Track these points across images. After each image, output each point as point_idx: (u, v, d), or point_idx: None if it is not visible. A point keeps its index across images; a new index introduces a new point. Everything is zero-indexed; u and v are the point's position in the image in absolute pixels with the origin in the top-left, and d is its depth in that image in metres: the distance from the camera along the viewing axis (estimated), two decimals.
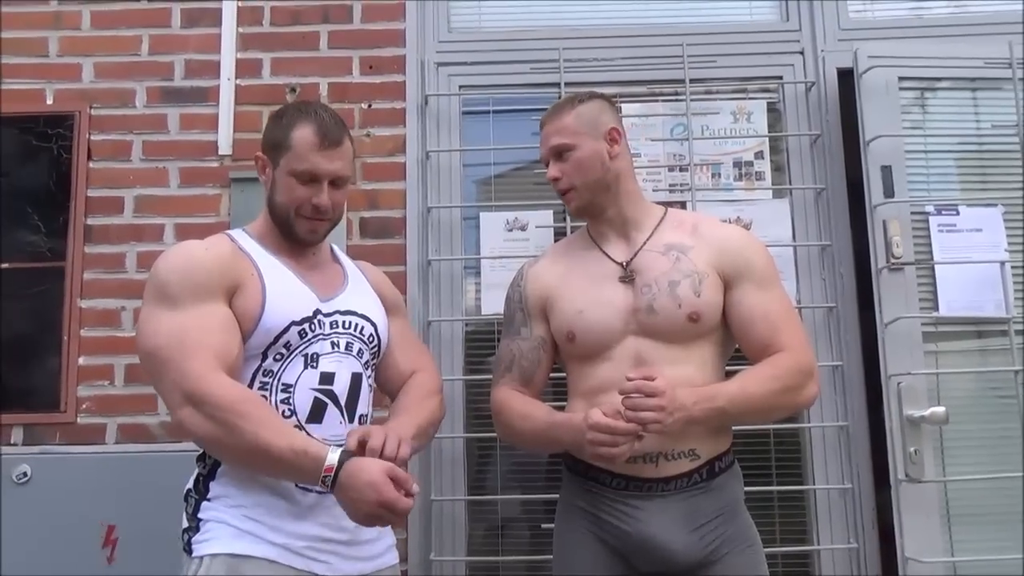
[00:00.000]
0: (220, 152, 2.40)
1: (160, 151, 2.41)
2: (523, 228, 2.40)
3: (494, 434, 2.31)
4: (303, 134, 1.57)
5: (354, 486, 1.37)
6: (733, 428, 1.69)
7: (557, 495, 1.76)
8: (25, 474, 2.20)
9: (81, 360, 2.31)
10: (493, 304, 2.36)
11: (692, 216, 1.78)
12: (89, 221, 2.37)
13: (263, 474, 1.45)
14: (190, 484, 1.54)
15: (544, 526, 1.69)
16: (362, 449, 1.43)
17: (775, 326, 1.62)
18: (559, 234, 2.36)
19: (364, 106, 2.42)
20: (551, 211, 2.40)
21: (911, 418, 2.15)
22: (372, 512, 1.37)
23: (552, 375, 1.80)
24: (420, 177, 2.40)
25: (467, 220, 2.43)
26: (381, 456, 1.41)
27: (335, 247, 1.77)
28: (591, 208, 1.71)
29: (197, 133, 2.41)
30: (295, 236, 1.61)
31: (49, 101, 2.42)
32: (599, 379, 1.64)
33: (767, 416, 1.67)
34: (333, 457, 1.39)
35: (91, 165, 2.39)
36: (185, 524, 1.51)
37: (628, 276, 1.67)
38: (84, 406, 2.29)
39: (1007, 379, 2.18)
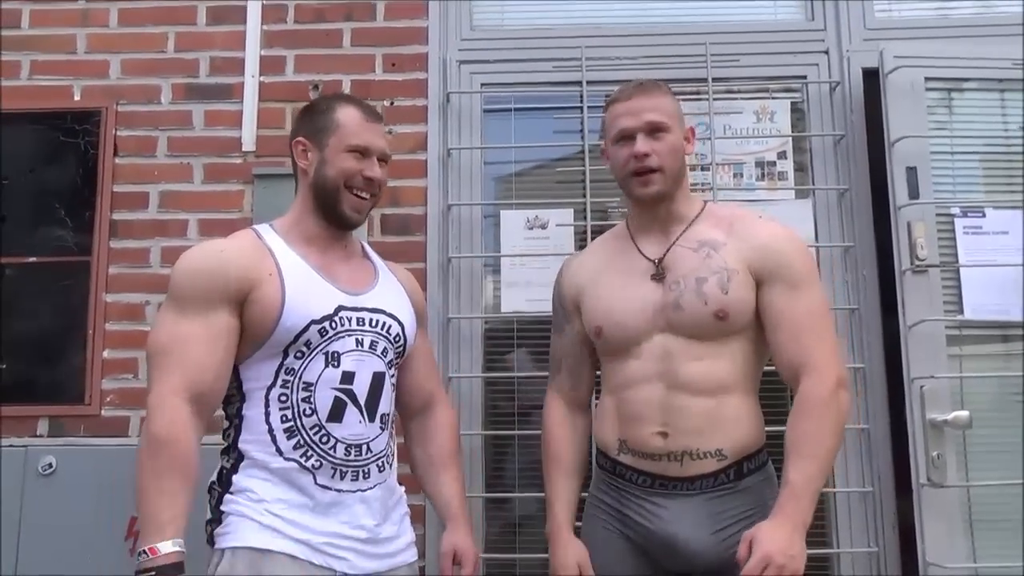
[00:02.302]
0: (244, 148, 2.51)
1: (185, 147, 2.53)
2: (544, 226, 2.49)
3: (512, 431, 2.44)
4: (348, 112, 1.69)
5: None
6: (769, 429, 1.73)
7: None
8: (50, 465, 2.32)
9: (106, 353, 2.43)
10: (513, 302, 2.47)
11: (731, 211, 1.79)
12: (114, 216, 2.49)
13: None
14: (214, 477, 1.61)
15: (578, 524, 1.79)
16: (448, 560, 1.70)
17: (799, 332, 1.62)
18: (580, 233, 2.46)
19: (386, 103, 2.53)
20: (572, 209, 2.49)
21: (934, 422, 2.22)
22: None
23: None
24: (441, 174, 2.50)
25: (488, 218, 2.53)
26: None
27: (367, 246, 1.85)
28: (662, 197, 1.71)
29: (221, 129, 2.53)
30: (340, 215, 1.67)
31: (76, 97, 2.55)
32: (626, 376, 1.70)
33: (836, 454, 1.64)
34: (167, 547, 1.42)
35: (117, 161, 2.51)
36: (208, 516, 1.58)
37: (659, 273, 1.71)
38: (108, 399, 2.41)
39: None
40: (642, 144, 1.68)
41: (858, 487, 2.33)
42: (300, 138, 1.71)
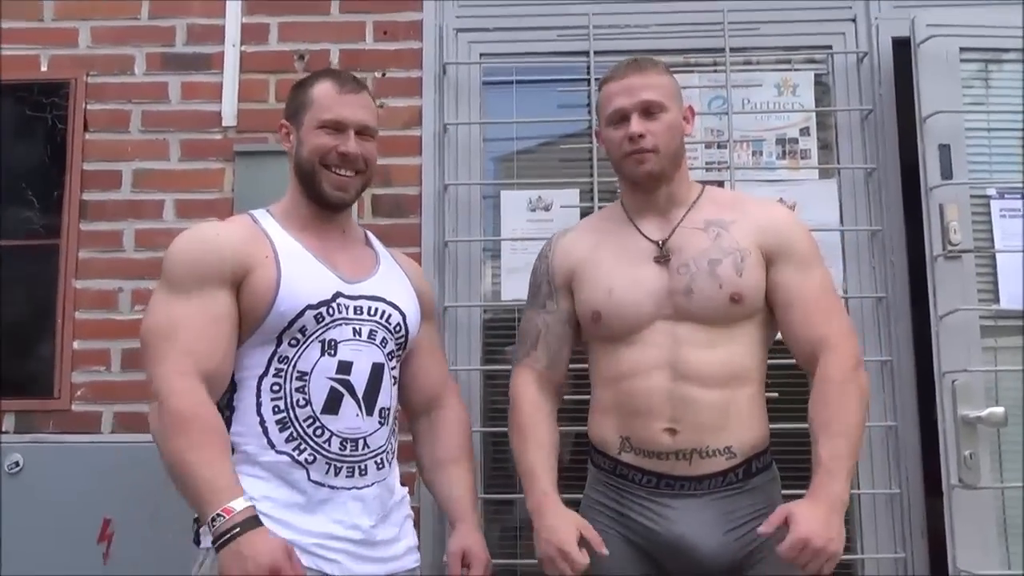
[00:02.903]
0: (224, 123, 2.38)
1: (160, 122, 2.39)
2: (547, 208, 2.36)
3: None
4: (322, 87, 1.63)
5: (252, 549, 1.35)
6: (771, 427, 1.65)
7: (580, 495, 1.74)
8: (17, 464, 2.20)
9: (76, 344, 2.30)
10: (514, 289, 2.33)
11: (730, 193, 1.79)
12: (85, 196, 2.35)
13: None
14: None
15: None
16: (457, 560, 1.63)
17: (813, 311, 1.59)
18: (586, 214, 2.31)
19: (378, 75, 2.39)
20: (577, 190, 2.36)
21: (967, 419, 2.10)
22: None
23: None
24: (437, 152, 2.36)
25: (487, 199, 2.40)
26: None
27: (371, 234, 1.79)
28: (659, 177, 1.66)
29: (200, 103, 2.39)
30: (323, 196, 1.61)
31: (44, 68, 2.41)
32: (627, 365, 1.63)
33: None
34: (240, 504, 1.38)
35: (87, 136, 2.38)
36: (194, 514, 1.50)
37: (663, 256, 1.64)
38: (79, 393, 2.29)
39: None
40: (636, 124, 1.63)
41: (884, 488, 2.21)
42: (283, 120, 1.69)
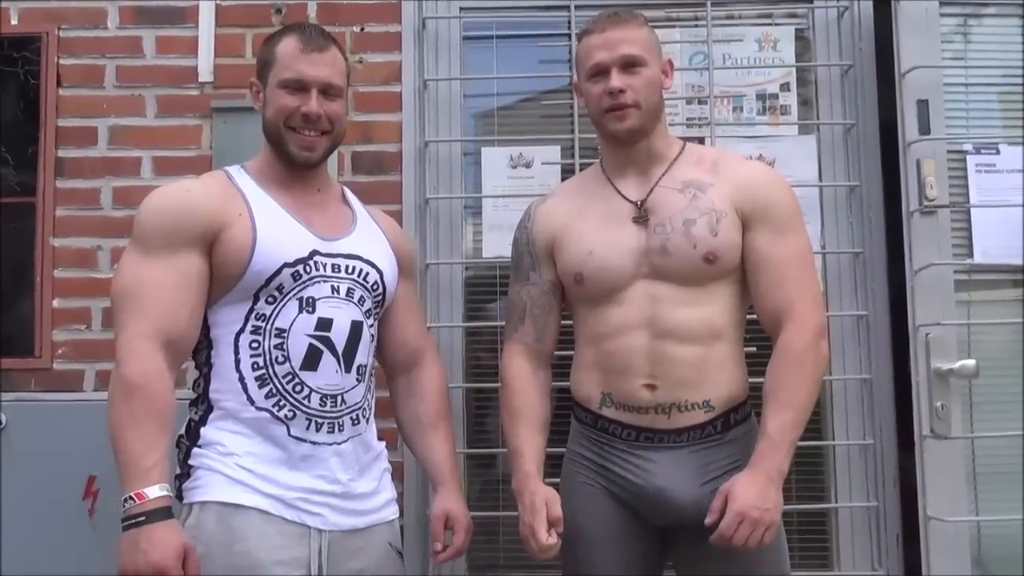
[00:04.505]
0: (200, 79, 2.37)
1: (136, 77, 2.38)
2: (528, 165, 2.38)
3: (495, 384, 2.35)
4: (286, 43, 1.63)
5: (148, 543, 1.37)
6: (749, 382, 1.71)
7: (563, 449, 1.79)
8: (0, 422, 2.22)
9: (55, 303, 2.32)
10: (495, 246, 2.36)
11: (712, 151, 1.78)
12: (60, 153, 2.35)
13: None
14: (181, 430, 1.57)
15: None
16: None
17: (783, 278, 1.62)
18: (567, 171, 2.35)
19: (356, 29, 2.38)
20: (558, 147, 2.38)
21: (939, 371, 2.16)
22: (139, 571, 1.37)
23: None
24: (417, 108, 2.37)
25: (468, 156, 2.41)
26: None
27: (348, 191, 1.80)
28: (639, 133, 1.68)
29: (176, 58, 2.38)
30: (290, 156, 1.62)
31: (14, 21, 2.38)
32: (609, 324, 1.66)
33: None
34: (155, 492, 1.40)
35: (60, 92, 2.36)
36: (176, 471, 1.55)
37: (642, 216, 1.67)
38: (60, 351, 2.31)
39: None
40: (616, 79, 1.64)
41: (858, 440, 2.28)
42: (253, 79, 1.68)
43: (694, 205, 1.64)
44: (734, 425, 1.65)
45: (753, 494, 1.48)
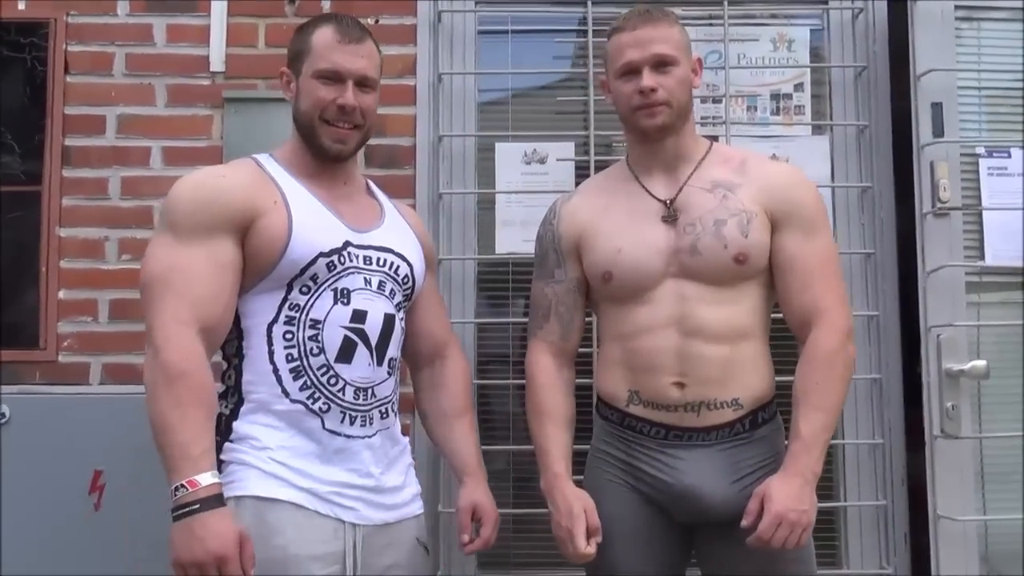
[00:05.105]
0: (212, 69, 2.34)
1: (145, 65, 2.35)
2: (542, 161, 2.38)
3: (506, 380, 2.35)
4: (322, 33, 1.61)
5: (205, 531, 1.35)
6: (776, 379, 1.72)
7: (585, 445, 1.79)
8: (3, 415, 2.19)
9: (61, 294, 2.29)
10: (508, 242, 2.37)
11: (739, 152, 1.78)
12: (67, 142, 2.32)
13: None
14: None
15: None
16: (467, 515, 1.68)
17: (811, 279, 1.64)
18: (581, 168, 2.35)
19: (371, 21, 2.35)
20: (573, 143, 2.38)
21: (950, 372, 2.19)
22: (197, 560, 1.35)
23: None
24: (431, 102, 2.36)
25: (482, 151, 2.41)
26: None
27: (373, 184, 1.79)
28: (668, 130, 1.68)
29: (187, 47, 2.35)
30: (322, 148, 1.60)
31: (21, 7, 2.34)
32: (636, 323, 1.67)
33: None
34: (207, 479, 1.38)
35: (68, 79, 2.33)
36: None
37: (671, 215, 1.68)
38: (65, 343, 2.28)
39: None
40: (648, 78, 1.64)
41: (868, 439, 2.31)
42: (284, 68, 1.67)
43: (724, 205, 1.65)
44: (762, 424, 1.66)
45: (790, 496, 1.49)
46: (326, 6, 2.37)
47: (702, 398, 1.61)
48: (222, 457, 1.50)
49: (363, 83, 1.61)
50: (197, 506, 1.36)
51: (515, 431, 2.38)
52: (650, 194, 1.70)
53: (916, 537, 2.28)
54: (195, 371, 1.43)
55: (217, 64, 2.34)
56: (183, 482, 1.37)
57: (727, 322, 1.62)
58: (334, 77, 1.58)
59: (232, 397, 1.54)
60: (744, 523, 1.51)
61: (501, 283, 2.41)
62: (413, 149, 2.35)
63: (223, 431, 1.52)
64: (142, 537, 2.11)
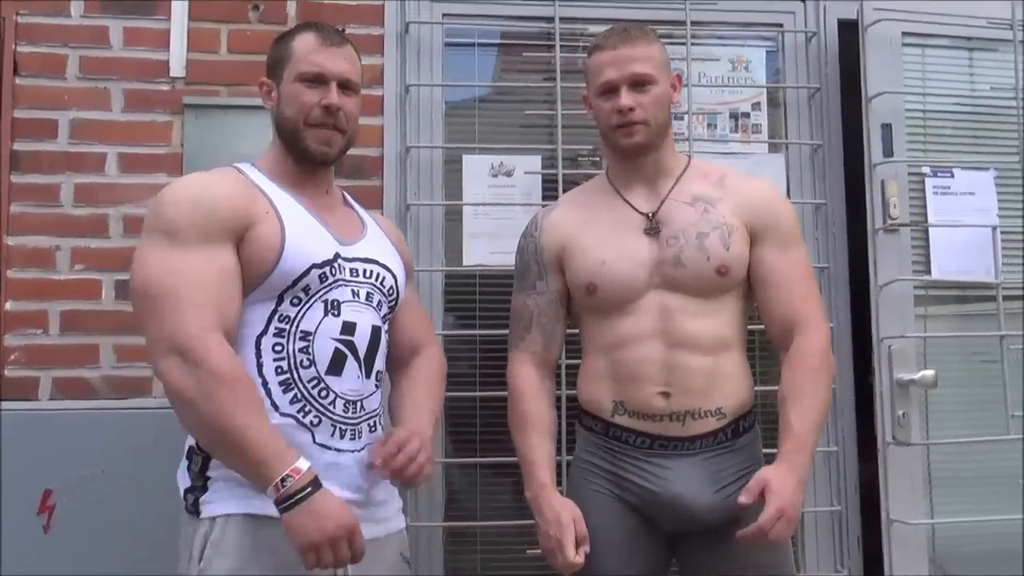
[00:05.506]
0: (172, 74, 2.28)
1: (101, 68, 2.27)
2: (509, 174, 2.40)
3: (473, 393, 2.35)
4: (303, 39, 1.60)
5: (326, 509, 1.37)
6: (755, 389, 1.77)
7: (567, 456, 1.80)
8: None
9: (8, 305, 2.19)
10: (475, 255, 2.37)
11: (717, 167, 1.83)
12: (16, 147, 2.22)
13: (216, 456, 1.44)
14: (192, 441, 1.50)
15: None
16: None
17: (791, 292, 1.69)
18: (548, 181, 2.37)
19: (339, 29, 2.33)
20: (539, 156, 2.41)
21: (901, 381, 2.30)
22: (330, 535, 1.36)
23: None
24: (399, 113, 2.36)
25: (449, 163, 2.41)
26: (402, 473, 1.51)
27: (347, 195, 1.77)
28: (647, 148, 1.71)
29: (145, 51, 2.29)
30: (307, 152, 1.58)
31: None
32: (619, 334, 1.69)
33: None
34: (304, 464, 1.38)
35: (18, 81, 2.24)
36: (188, 483, 1.48)
37: (653, 228, 1.71)
38: (12, 357, 2.18)
39: (992, 343, 2.34)
40: (626, 98, 1.67)
41: (823, 447, 2.38)
42: (263, 78, 1.65)
43: (705, 219, 1.69)
44: (743, 432, 1.70)
45: (792, 493, 1.52)
46: (291, 11, 2.34)
47: (687, 408, 1.64)
48: (208, 474, 1.46)
49: (346, 85, 1.60)
50: (309, 490, 1.36)
51: (482, 444, 2.38)
52: (632, 207, 1.73)
53: (869, 540, 2.37)
54: (244, 376, 1.41)
55: (177, 69, 2.28)
56: (287, 472, 1.35)
57: (711, 333, 1.66)
58: (317, 79, 1.57)
59: None
60: (742, 499, 1.52)
61: (468, 295, 2.41)
62: (380, 160, 2.33)
63: None
64: (96, 558, 2.04)
